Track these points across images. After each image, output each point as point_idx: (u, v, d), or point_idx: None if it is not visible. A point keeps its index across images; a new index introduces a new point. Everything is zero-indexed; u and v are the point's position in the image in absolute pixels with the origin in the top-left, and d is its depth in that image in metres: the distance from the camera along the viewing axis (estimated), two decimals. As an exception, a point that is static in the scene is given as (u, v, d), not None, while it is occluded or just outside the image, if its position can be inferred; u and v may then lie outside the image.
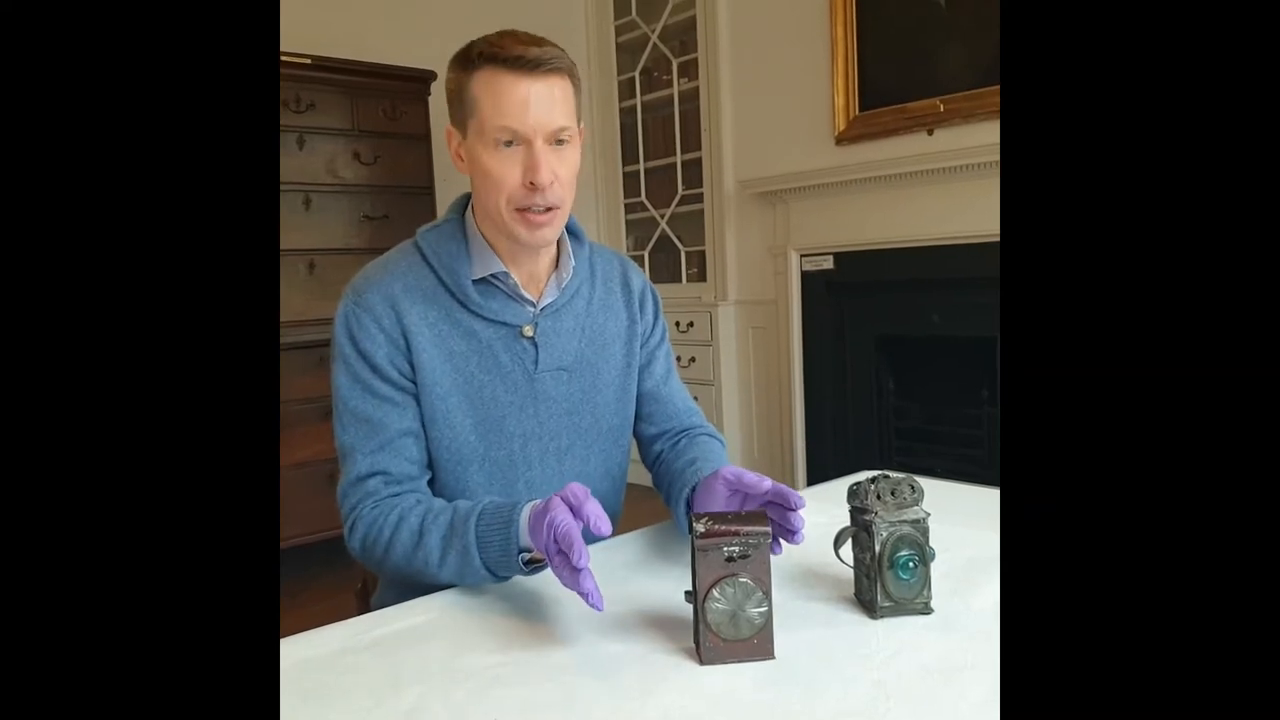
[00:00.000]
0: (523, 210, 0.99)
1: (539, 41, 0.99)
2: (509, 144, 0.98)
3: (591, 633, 0.83)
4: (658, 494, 1.16)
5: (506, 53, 0.96)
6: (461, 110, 1.01)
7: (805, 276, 3.39)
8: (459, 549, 0.91)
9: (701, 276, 3.88)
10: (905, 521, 0.84)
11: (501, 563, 0.89)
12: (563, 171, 1.00)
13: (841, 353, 3.36)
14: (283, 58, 2.79)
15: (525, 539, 0.88)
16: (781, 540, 0.91)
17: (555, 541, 0.81)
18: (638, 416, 1.20)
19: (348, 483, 1.02)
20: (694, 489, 1.02)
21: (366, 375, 1.02)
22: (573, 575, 0.80)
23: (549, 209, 1.00)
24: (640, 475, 1.25)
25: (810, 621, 0.83)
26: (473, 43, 1.00)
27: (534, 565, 0.90)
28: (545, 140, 0.98)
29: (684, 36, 3.81)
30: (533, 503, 0.89)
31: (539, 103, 0.97)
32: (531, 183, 0.97)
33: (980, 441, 3.01)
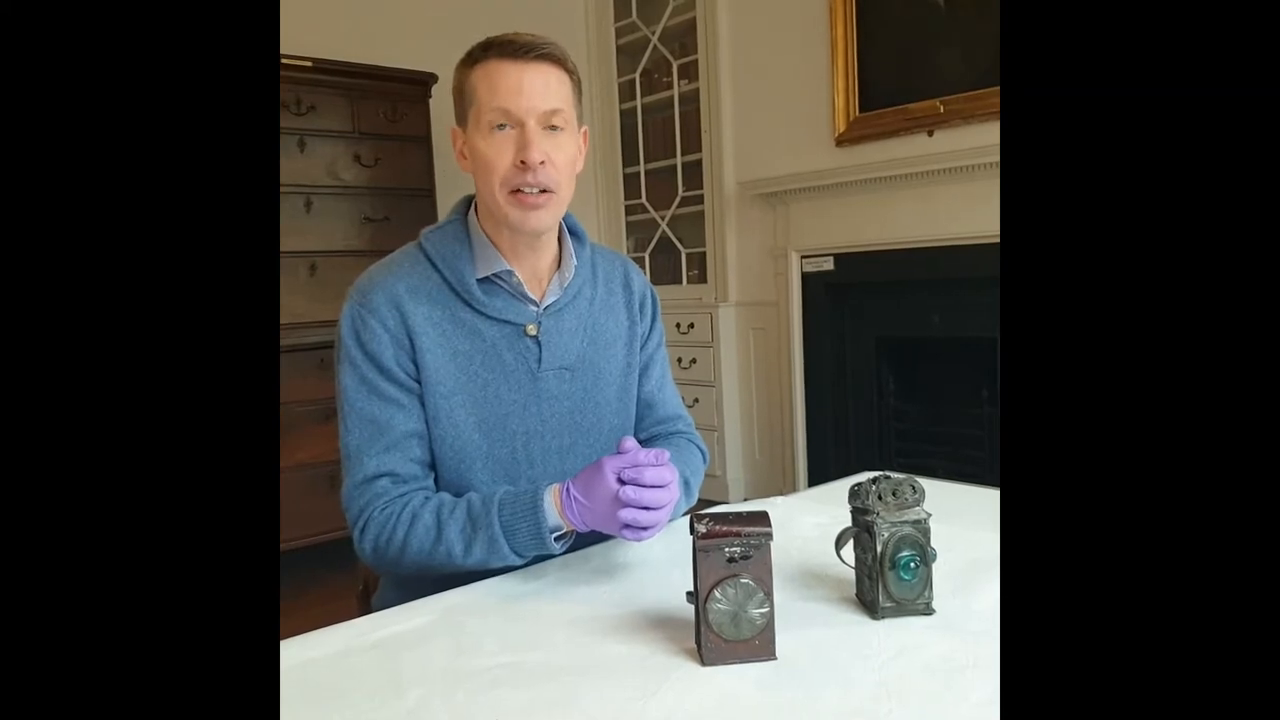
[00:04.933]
0: (515, 192, 1.01)
1: (537, 36, 1.02)
2: (502, 127, 1.00)
3: (593, 634, 0.83)
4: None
5: (501, 41, 1.01)
6: (463, 105, 1.04)
7: (805, 278, 3.39)
8: (485, 540, 0.95)
9: (702, 278, 3.88)
10: (906, 522, 0.84)
11: (531, 544, 0.95)
12: (557, 156, 1.02)
13: (842, 354, 3.36)
14: (283, 60, 2.79)
15: (554, 519, 0.95)
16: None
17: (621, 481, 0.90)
18: None
19: (354, 484, 1.01)
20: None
21: (373, 376, 1.02)
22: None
23: (543, 191, 1.01)
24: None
25: (812, 622, 0.83)
26: (477, 43, 1.04)
27: (563, 539, 0.97)
28: (538, 123, 1.00)
29: (684, 38, 3.81)
30: (553, 486, 0.96)
31: (531, 85, 1.00)
32: (523, 161, 0.99)
33: (981, 442, 3.00)
